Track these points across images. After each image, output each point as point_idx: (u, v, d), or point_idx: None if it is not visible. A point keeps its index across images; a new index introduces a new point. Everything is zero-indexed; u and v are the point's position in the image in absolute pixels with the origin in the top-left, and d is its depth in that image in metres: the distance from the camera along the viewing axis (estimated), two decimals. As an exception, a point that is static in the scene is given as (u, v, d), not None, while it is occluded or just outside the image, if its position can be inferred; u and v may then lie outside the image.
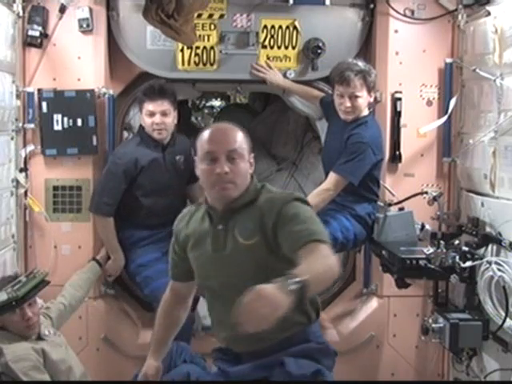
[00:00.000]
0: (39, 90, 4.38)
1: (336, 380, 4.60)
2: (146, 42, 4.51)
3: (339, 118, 4.18)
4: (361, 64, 4.08)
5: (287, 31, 4.57)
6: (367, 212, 4.19)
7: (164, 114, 4.25)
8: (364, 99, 4.08)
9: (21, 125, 4.33)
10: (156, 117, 4.24)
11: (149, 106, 4.24)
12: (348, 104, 4.05)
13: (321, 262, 2.41)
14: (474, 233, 4.04)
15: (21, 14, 4.28)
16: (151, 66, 4.58)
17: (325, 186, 4.06)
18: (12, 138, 4.22)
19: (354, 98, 4.04)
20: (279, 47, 4.59)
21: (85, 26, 4.39)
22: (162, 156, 4.37)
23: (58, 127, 4.40)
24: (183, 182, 4.50)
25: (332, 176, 4.03)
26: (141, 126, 4.41)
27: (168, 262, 4.41)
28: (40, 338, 3.46)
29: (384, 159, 4.32)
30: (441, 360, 4.68)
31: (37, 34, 4.31)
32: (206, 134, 2.75)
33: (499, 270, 3.69)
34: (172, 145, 4.41)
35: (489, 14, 4.02)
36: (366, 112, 4.15)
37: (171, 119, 4.31)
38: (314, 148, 5.95)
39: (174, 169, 4.41)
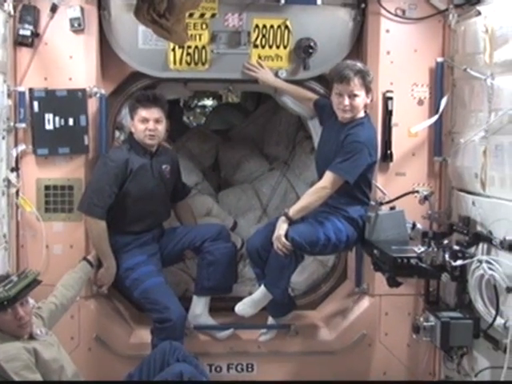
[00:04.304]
0: (30, 90, 4.36)
1: (329, 380, 4.64)
2: (138, 41, 4.51)
3: (335, 120, 4.20)
4: (359, 65, 4.13)
5: (279, 31, 4.57)
6: (359, 214, 4.22)
7: (157, 121, 4.35)
8: (362, 99, 4.10)
9: (12, 124, 4.31)
10: (150, 123, 4.32)
11: (142, 113, 4.32)
12: (346, 102, 4.07)
13: None
14: (465, 232, 4.05)
15: (12, 13, 4.26)
16: (143, 66, 4.58)
17: (321, 184, 4.09)
18: (3, 138, 4.20)
19: (352, 96, 4.07)
20: (271, 47, 4.60)
21: (76, 25, 4.38)
22: (150, 163, 4.44)
23: (49, 127, 4.39)
24: (168, 191, 4.61)
25: (328, 175, 4.06)
26: (130, 132, 4.46)
27: (154, 264, 4.43)
28: (32, 337, 3.45)
29: (377, 162, 4.34)
30: (432, 358, 4.69)
31: (28, 33, 4.30)
32: None
33: (490, 268, 3.70)
34: (159, 154, 4.51)
35: (479, 13, 4.04)
36: (362, 113, 4.17)
37: (163, 127, 4.41)
38: (306, 147, 5.96)
39: (160, 177, 4.49)
